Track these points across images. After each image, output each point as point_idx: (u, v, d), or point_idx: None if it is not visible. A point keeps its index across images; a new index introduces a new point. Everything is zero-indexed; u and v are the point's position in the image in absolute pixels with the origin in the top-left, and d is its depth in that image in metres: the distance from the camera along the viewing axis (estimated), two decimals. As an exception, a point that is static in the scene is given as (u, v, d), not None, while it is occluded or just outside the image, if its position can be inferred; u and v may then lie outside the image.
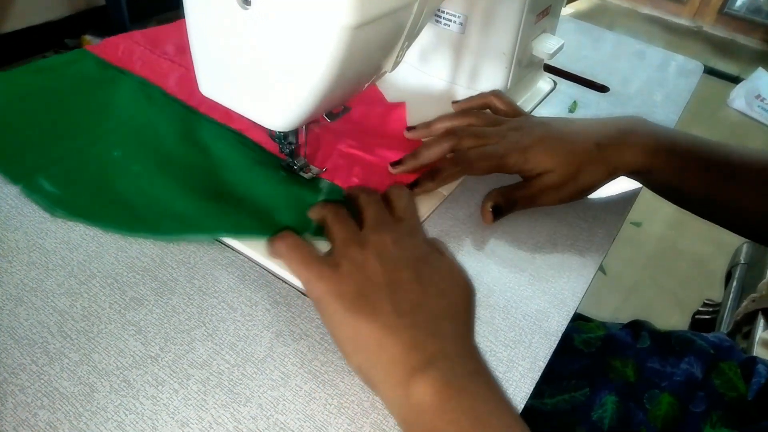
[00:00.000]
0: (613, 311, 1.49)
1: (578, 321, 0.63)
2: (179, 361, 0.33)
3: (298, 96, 0.34)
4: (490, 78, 0.57)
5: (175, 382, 0.32)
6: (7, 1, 1.68)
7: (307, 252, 0.35)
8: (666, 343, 0.58)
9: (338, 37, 0.29)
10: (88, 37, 1.93)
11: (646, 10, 3.24)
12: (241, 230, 0.40)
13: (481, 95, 0.53)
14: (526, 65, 0.59)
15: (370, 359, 0.31)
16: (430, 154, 0.47)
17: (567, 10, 3.04)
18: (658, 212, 1.88)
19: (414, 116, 0.54)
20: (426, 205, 0.46)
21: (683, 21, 3.16)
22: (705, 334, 0.62)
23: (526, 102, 0.61)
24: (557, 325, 0.39)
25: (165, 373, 0.32)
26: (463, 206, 0.47)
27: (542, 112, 0.62)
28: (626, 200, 0.51)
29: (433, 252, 0.37)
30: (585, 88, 0.67)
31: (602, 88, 0.67)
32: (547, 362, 0.36)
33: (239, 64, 0.35)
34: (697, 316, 1.28)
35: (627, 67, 0.74)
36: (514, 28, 0.52)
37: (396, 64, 0.39)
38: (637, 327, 0.61)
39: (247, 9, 0.32)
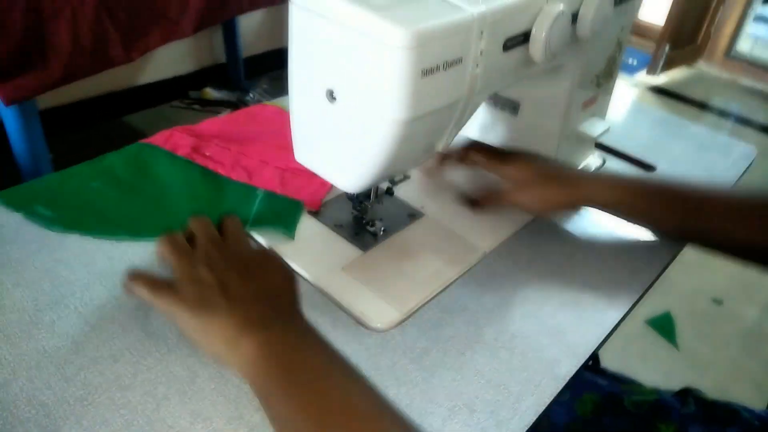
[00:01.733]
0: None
1: (632, 384, 0.67)
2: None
3: (365, 167, 0.45)
4: (540, 153, 0.65)
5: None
6: (146, 59, 1.97)
7: (157, 285, 0.42)
8: (711, 411, 0.61)
9: (393, 127, 0.40)
10: (208, 90, 2.20)
11: (747, 82, 3.16)
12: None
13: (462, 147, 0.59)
14: (575, 143, 0.67)
15: (217, 343, 0.39)
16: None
17: (660, 79, 3.03)
18: (744, 291, 1.81)
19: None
20: (466, 261, 0.54)
21: (787, 94, 3.05)
22: (754, 409, 0.63)
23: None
24: (566, 372, 0.45)
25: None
26: (501, 263, 0.55)
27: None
28: (652, 268, 0.57)
29: (257, 254, 0.46)
30: (632, 166, 0.73)
31: (649, 168, 0.72)
32: (552, 400, 0.43)
33: (325, 141, 0.46)
34: (773, 403, 1.22)
35: (679, 148, 0.79)
36: (561, 115, 0.61)
37: (447, 144, 0.48)
38: (686, 394, 0.64)
39: (333, 102, 0.43)
